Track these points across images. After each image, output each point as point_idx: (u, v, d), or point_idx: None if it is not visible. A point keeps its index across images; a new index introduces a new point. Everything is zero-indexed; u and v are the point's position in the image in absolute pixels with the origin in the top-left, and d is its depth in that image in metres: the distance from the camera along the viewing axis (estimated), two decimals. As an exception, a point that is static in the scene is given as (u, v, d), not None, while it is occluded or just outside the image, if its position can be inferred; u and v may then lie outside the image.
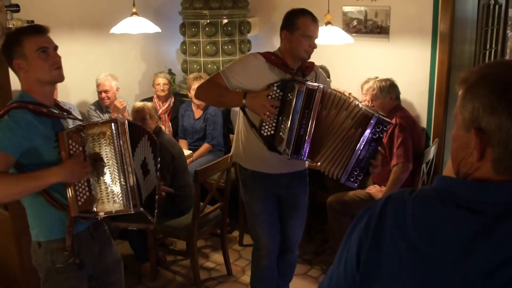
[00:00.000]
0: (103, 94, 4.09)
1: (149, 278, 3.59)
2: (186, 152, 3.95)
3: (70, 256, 2.01)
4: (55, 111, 2.02)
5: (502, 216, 0.86)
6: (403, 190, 1.00)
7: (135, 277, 3.63)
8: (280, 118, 2.42)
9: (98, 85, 4.11)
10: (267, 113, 2.42)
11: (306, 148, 2.39)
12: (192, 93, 4.23)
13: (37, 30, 1.97)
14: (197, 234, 3.35)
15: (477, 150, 0.90)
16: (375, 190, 3.49)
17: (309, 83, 2.40)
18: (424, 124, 4.15)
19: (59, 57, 2.01)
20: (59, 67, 1.99)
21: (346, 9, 4.44)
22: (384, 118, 2.29)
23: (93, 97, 4.32)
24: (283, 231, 2.90)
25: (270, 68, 2.56)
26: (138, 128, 2.16)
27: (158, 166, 2.30)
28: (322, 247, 3.94)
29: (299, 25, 2.56)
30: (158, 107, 4.44)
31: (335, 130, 2.36)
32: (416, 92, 4.13)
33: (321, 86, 2.38)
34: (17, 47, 1.93)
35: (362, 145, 2.29)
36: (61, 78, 2.01)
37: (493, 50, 4.68)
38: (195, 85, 4.18)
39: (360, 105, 2.34)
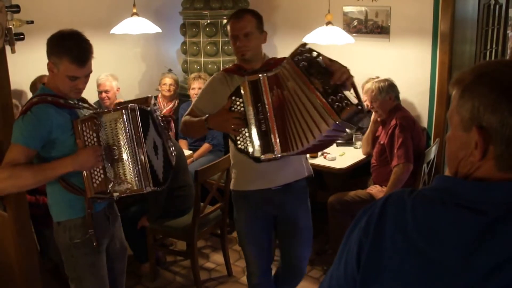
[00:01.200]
0: (104, 94, 4.10)
1: (149, 279, 3.59)
2: (186, 152, 3.95)
3: (86, 232, 2.16)
4: (71, 102, 2.18)
5: (504, 216, 0.85)
6: (403, 190, 1.00)
7: (135, 277, 3.63)
8: (248, 124, 2.22)
9: (98, 85, 4.12)
10: (232, 126, 2.23)
11: (275, 141, 2.15)
12: (191, 93, 4.25)
13: (80, 62, 2.06)
14: (197, 235, 3.35)
15: (480, 149, 0.89)
16: (376, 190, 3.49)
17: (251, 76, 2.19)
18: (425, 124, 4.15)
19: (85, 84, 2.17)
20: (79, 92, 2.17)
21: (347, 9, 4.45)
22: (292, 53, 2.11)
23: (93, 97, 4.32)
24: (284, 255, 2.72)
25: (231, 80, 2.46)
26: (145, 112, 2.24)
27: (160, 127, 2.36)
28: (323, 247, 3.94)
29: (228, 30, 2.47)
30: (162, 107, 4.46)
31: (292, 103, 2.10)
32: (416, 92, 4.14)
33: (266, 73, 2.15)
34: (56, 57, 2.06)
35: (307, 80, 2.02)
36: (77, 97, 2.21)
37: (493, 50, 4.68)
38: (195, 85, 4.21)
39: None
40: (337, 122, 1.93)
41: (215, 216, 3.54)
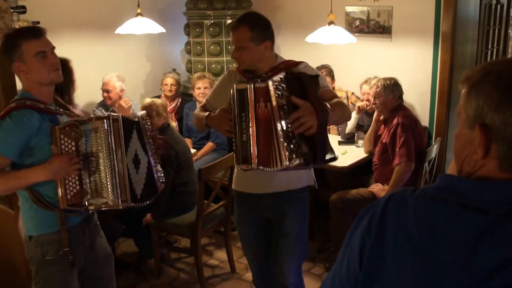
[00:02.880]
0: (105, 94, 4.13)
1: (153, 275, 3.63)
2: (191, 151, 3.98)
3: (60, 248, 2.05)
4: (52, 107, 2.07)
5: (506, 215, 0.85)
6: (405, 189, 0.99)
7: (139, 274, 3.67)
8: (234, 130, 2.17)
9: (102, 84, 4.16)
10: (226, 128, 2.21)
11: (254, 153, 2.08)
12: (196, 92, 4.28)
13: (35, 34, 1.99)
14: (201, 232, 3.38)
15: (482, 147, 0.89)
16: (377, 189, 3.52)
17: (239, 84, 2.14)
18: (426, 123, 4.17)
19: (57, 59, 2.06)
20: (57, 69, 2.04)
21: (349, 9, 4.48)
22: (275, 77, 2.01)
23: (99, 97, 4.36)
24: (273, 262, 2.61)
25: (239, 79, 2.40)
26: (131, 122, 2.16)
27: (147, 141, 2.25)
28: (324, 245, 3.97)
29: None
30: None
31: (274, 121, 2.01)
32: (418, 91, 4.16)
33: (253, 84, 2.08)
34: (16, 50, 1.97)
35: (277, 114, 1.98)
36: (59, 79, 2.06)
37: (495, 50, 4.70)
38: (199, 84, 4.24)
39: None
40: (285, 167, 1.98)
41: (219, 214, 3.57)
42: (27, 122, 1.93)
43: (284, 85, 1.99)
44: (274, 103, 1.98)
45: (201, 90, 4.24)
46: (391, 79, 3.54)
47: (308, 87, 2.03)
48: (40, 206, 2.02)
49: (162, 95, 4.60)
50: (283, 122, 1.97)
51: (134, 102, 4.26)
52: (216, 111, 2.30)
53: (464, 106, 0.93)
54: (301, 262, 2.63)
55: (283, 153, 1.97)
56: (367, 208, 1.03)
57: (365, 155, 3.82)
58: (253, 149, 2.08)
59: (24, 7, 3.22)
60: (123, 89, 4.21)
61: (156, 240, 3.56)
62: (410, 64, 4.19)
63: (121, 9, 4.33)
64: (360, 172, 3.84)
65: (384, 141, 3.51)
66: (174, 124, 4.34)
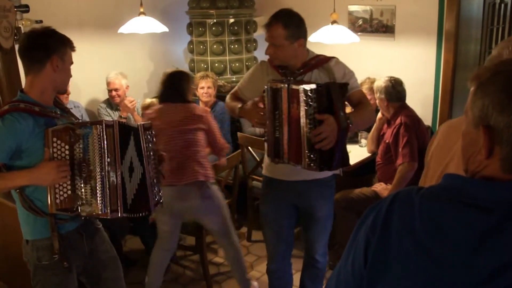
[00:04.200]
0: (113, 93, 4.13)
1: (158, 273, 3.64)
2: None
3: (54, 254, 2.04)
4: (51, 110, 2.04)
5: (511, 215, 0.85)
6: (411, 188, 1.00)
7: (145, 271, 3.66)
8: (268, 125, 2.34)
9: (108, 84, 4.16)
10: (256, 120, 2.36)
11: (285, 150, 2.27)
12: (199, 92, 4.28)
13: (73, 49, 2.09)
14: (206, 230, 3.39)
15: (485, 148, 0.89)
16: (380, 188, 3.52)
17: (274, 83, 2.26)
18: (429, 122, 4.17)
19: None
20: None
21: (352, 8, 4.48)
22: (307, 85, 2.12)
23: (103, 95, 4.37)
24: (304, 240, 2.81)
25: (272, 72, 2.51)
26: (128, 129, 2.09)
27: (145, 152, 2.14)
28: (329, 244, 3.97)
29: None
30: None
31: (298, 123, 2.19)
32: (421, 91, 4.16)
33: (287, 84, 2.20)
34: (62, 48, 2.02)
35: (304, 121, 2.14)
36: (66, 90, 2.19)
37: (498, 49, 4.68)
38: (203, 84, 4.24)
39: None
40: (301, 167, 2.22)
41: (223, 213, 3.58)
42: (18, 126, 1.89)
43: (313, 96, 2.10)
44: (302, 113, 2.13)
45: (205, 89, 4.24)
46: (394, 78, 3.54)
47: (335, 100, 2.15)
48: (30, 211, 1.99)
49: None
50: (307, 130, 2.13)
51: (138, 100, 4.27)
52: (249, 103, 2.44)
53: (470, 105, 0.93)
54: (328, 236, 2.78)
55: (303, 161, 2.18)
56: (372, 206, 1.03)
57: (368, 154, 3.83)
58: (285, 146, 2.26)
59: (27, 6, 3.23)
60: (128, 86, 4.23)
61: (161, 238, 3.56)
62: (413, 64, 4.19)
63: (124, 8, 4.34)
64: (363, 171, 3.85)
65: (387, 141, 3.51)
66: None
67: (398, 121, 3.44)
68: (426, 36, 4.10)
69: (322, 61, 2.46)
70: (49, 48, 1.98)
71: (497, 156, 0.88)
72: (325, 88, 2.14)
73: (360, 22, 4.46)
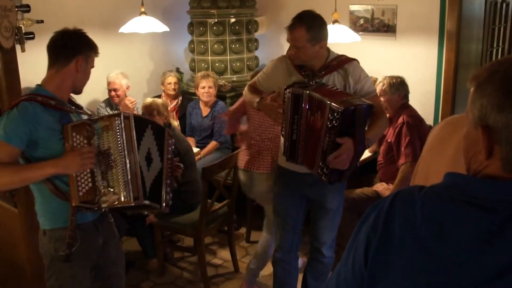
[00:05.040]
0: (113, 93, 4.13)
1: (156, 274, 3.63)
2: (194, 149, 3.98)
3: (73, 245, 2.07)
4: (65, 104, 2.11)
5: None
6: (413, 187, 0.99)
7: (142, 273, 3.67)
8: (285, 124, 2.44)
9: (108, 83, 4.16)
10: (274, 116, 2.45)
11: (301, 153, 2.37)
12: (200, 91, 4.27)
13: (97, 54, 2.23)
14: (204, 231, 3.38)
15: (484, 148, 0.89)
16: (382, 188, 3.51)
17: (297, 89, 2.34)
18: (430, 122, 4.15)
19: None
20: None
21: (353, 7, 4.46)
22: (334, 105, 2.15)
23: (103, 95, 4.37)
24: (312, 231, 2.83)
25: (293, 69, 2.55)
26: (143, 121, 2.22)
27: (167, 153, 2.28)
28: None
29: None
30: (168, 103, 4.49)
31: (317, 134, 2.28)
32: (423, 90, 4.14)
33: (312, 92, 2.27)
34: (89, 51, 2.15)
35: (323, 136, 2.22)
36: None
37: (500, 48, 4.68)
38: (203, 83, 4.24)
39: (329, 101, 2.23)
40: (312, 173, 2.36)
41: (222, 213, 3.57)
42: (31, 110, 1.96)
43: (338, 117, 2.15)
44: (324, 126, 2.20)
45: (205, 89, 4.23)
46: (397, 77, 3.52)
47: (357, 125, 2.21)
48: (57, 194, 2.04)
49: (163, 94, 4.60)
50: (324, 145, 2.20)
51: (138, 100, 4.27)
52: (268, 98, 2.50)
53: (470, 106, 0.92)
54: (336, 232, 2.83)
55: (315, 168, 2.29)
56: (374, 206, 1.02)
57: (370, 154, 3.82)
58: (300, 150, 2.37)
59: (28, 6, 3.23)
60: (129, 86, 4.23)
61: (160, 239, 3.56)
62: (414, 63, 4.17)
63: (124, 8, 4.33)
64: (364, 171, 3.84)
65: (389, 140, 3.50)
66: (176, 123, 4.33)
67: (400, 120, 3.43)
68: (427, 36, 4.09)
69: (343, 62, 2.51)
70: (77, 49, 2.11)
71: (497, 156, 0.88)
72: (351, 112, 2.18)
73: (362, 21, 4.44)
